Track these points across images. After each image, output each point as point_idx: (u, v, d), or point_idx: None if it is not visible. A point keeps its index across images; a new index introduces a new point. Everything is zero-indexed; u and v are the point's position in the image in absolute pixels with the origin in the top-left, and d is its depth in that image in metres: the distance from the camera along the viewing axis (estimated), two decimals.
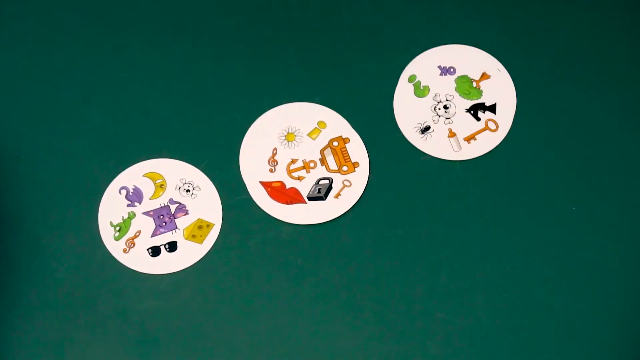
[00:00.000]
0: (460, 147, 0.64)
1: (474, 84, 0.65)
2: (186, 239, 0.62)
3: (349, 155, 0.63)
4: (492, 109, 0.64)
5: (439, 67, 0.66)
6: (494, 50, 0.66)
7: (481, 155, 0.63)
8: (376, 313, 0.59)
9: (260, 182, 0.62)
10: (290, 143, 0.63)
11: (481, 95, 0.65)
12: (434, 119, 0.64)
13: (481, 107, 0.65)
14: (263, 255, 0.61)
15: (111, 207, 0.62)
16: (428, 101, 0.65)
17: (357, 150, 0.63)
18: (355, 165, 0.62)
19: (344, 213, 0.62)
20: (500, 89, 0.65)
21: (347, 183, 0.62)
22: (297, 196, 0.62)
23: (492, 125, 0.64)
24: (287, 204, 0.62)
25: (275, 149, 0.63)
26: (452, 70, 0.66)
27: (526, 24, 0.67)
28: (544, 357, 0.58)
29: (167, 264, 0.61)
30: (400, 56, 0.66)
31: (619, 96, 0.64)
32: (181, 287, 0.61)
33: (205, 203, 0.63)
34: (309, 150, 0.63)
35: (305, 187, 0.62)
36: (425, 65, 0.66)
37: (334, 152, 0.62)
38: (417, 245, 0.61)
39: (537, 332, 0.59)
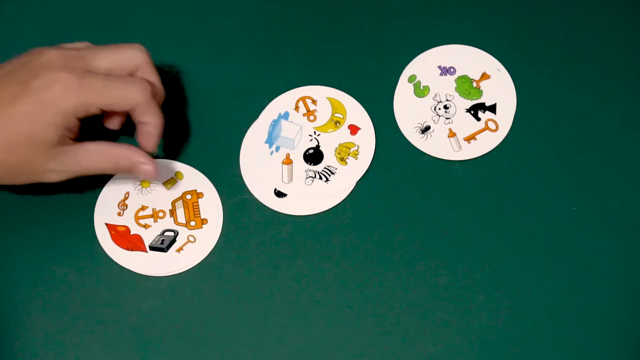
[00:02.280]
0: (460, 147, 0.64)
1: (474, 84, 0.65)
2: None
3: (199, 210, 0.62)
4: (492, 109, 0.64)
5: (439, 67, 0.66)
6: (494, 50, 0.66)
7: (481, 155, 0.63)
8: (376, 313, 0.59)
9: (106, 223, 0.62)
10: (144, 189, 0.63)
11: (481, 95, 0.65)
12: (434, 119, 0.64)
13: (481, 107, 0.65)
14: (263, 255, 0.61)
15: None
16: (428, 101, 0.65)
17: (210, 206, 0.62)
18: (203, 222, 0.62)
19: (344, 212, 0.62)
20: (500, 89, 0.65)
21: (191, 239, 0.61)
22: (139, 244, 0.61)
23: (492, 125, 0.64)
24: (128, 249, 0.61)
25: (127, 192, 0.63)
26: (452, 70, 0.66)
27: (526, 24, 0.67)
28: (544, 356, 0.58)
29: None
30: (400, 56, 0.66)
31: (619, 96, 0.64)
32: (181, 287, 0.61)
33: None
34: (161, 199, 0.63)
35: (149, 236, 0.62)
36: (425, 65, 0.66)
37: (185, 205, 0.62)
38: (417, 246, 0.61)
39: (537, 331, 0.58)
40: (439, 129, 0.64)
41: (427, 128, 0.64)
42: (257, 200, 0.63)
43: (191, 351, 0.59)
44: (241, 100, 0.65)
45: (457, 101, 0.65)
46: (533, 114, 0.64)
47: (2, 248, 0.62)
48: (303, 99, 0.65)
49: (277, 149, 0.63)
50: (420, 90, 0.65)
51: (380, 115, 0.64)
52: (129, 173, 0.59)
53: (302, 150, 0.63)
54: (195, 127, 0.65)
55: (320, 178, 0.62)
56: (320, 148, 0.63)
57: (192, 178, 0.63)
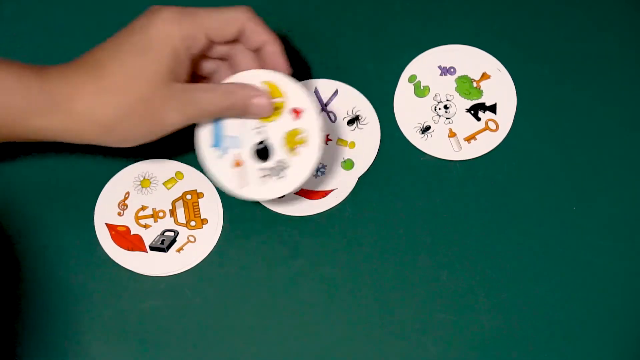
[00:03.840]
0: (460, 147, 0.64)
1: (474, 84, 0.65)
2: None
3: (199, 210, 0.62)
4: (492, 109, 0.64)
5: (439, 67, 0.66)
6: (494, 50, 0.66)
7: (481, 155, 0.63)
8: (376, 313, 0.59)
9: (106, 223, 0.62)
10: (144, 189, 0.62)
11: (481, 95, 0.65)
12: (434, 119, 0.64)
13: (481, 107, 0.65)
14: (263, 255, 0.61)
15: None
16: (428, 101, 0.65)
17: (210, 206, 0.62)
18: (204, 222, 0.62)
19: (344, 212, 0.62)
20: (501, 89, 0.65)
21: (191, 239, 0.61)
22: (140, 244, 0.61)
23: (492, 125, 0.64)
24: (129, 250, 0.61)
25: (128, 192, 0.62)
26: (452, 70, 0.66)
27: (526, 24, 0.67)
28: (544, 356, 0.58)
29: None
30: (400, 56, 0.66)
31: (618, 96, 0.64)
32: (181, 287, 0.61)
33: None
34: (161, 199, 0.62)
35: (150, 236, 0.62)
36: (425, 65, 0.66)
37: (185, 205, 0.62)
38: (417, 245, 0.61)
39: (537, 331, 0.58)
40: (439, 129, 0.64)
41: (427, 128, 0.64)
42: (257, 200, 0.63)
43: (191, 351, 0.59)
44: None
45: (457, 101, 0.65)
46: (533, 114, 0.64)
47: (2, 248, 0.62)
48: None
49: (225, 150, 0.58)
50: (421, 90, 0.65)
51: (380, 115, 0.64)
52: (242, 113, 0.57)
53: (251, 147, 0.58)
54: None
55: (275, 175, 0.58)
56: (269, 141, 0.58)
57: (192, 178, 0.63)
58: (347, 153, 0.63)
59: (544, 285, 0.60)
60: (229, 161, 0.58)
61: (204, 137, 0.58)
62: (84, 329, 0.59)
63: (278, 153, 0.58)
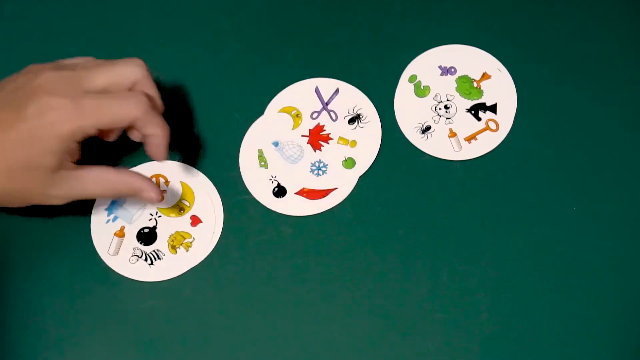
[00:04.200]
0: (460, 147, 0.64)
1: (475, 84, 0.65)
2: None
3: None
4: (493, 109, 0.64)
5: (440, 67, 0.66)
6: (494, 50, 0.66)
7: (481, 155, 0.63)
8: (376, 313, 0.59)
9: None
10: None
11: (482, 95, 0.65)
12: (434, 119, 0.64)
13: (482, 107, 0.65)
14: (263, 255, 0.61)
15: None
16: (429, 101, 0.65)
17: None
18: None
19: (344, 212, 0.62)
20: (501, 89, 0.65)
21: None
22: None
23: (492, 125, 0.64)
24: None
25: None
26: (452, 70, 0.66)
27: (526, 24, 0.67)
28: (544, 357, 0.58)
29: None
30: (400, 56, 0.66)
31: (618, 96, 0.64)
32: (181, 287, 0.60)
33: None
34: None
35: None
36: (425, 65, 0.66)
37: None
38: (417, 245, 0.61)
39: (536, 332, 0.58)
40: (440, 129, 0.64)
41: (428, 128, 0.64)
42: (257, 200, 0.63)
43: (191, 351, 0.59)
44: (241, 99, 0.66)
45: (457, 101, 0.65)
46: (533, 114, 0.64)
47: (2, 248, 0.62)
48: (157, 176, 0.63)
49: (115, 219, 0.62)
50: (421, 90, 0.65)
51: (380, 115, 0.64)
52: (133, 197, 0.60)
53: (138, 227, 0.62)
54: (196, 127, 0.65)
55: (146, 260, 0.61)
56: (157, 230, 0.61)
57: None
58: (348, 152, 0.63)
59: (544, 285, 0.59)
60: (113, 228, 0.62)
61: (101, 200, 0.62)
62: (84, 329, 0.59)
63: (159, 244, 0.61)
